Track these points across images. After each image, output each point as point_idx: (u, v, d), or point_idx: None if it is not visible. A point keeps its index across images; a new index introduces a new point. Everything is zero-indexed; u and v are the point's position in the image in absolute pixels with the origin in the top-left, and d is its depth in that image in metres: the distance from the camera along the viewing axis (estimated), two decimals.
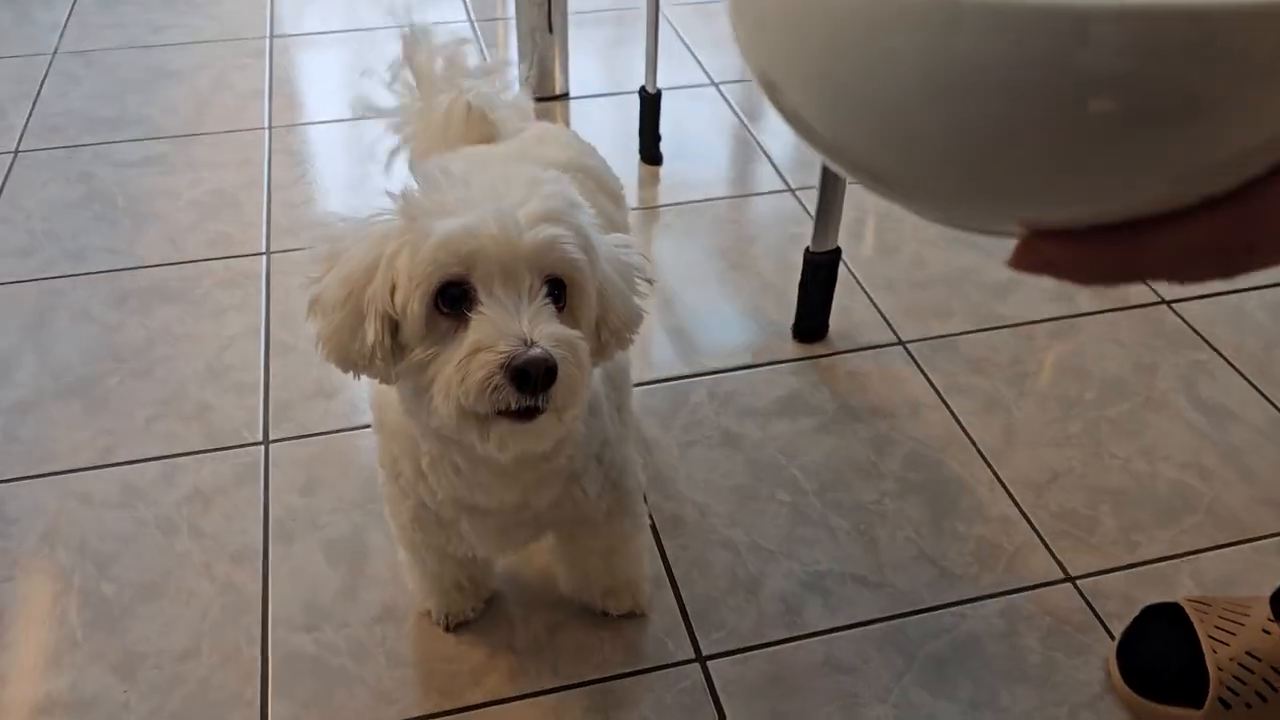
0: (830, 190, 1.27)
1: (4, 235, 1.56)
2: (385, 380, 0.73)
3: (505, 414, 0.67)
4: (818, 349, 1.38)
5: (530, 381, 0.65)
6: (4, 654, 1.01)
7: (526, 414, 0.67)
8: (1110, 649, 1.02)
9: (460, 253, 0.66)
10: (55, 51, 2.06)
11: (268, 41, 2.12)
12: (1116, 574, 1.11)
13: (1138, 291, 1.49)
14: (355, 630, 1.04)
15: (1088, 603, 1.08)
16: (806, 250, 1.33)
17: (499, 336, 0.66)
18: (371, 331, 0.69)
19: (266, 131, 1.82)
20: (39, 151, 1.76)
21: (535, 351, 0.65)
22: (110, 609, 1.06)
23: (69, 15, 2.20)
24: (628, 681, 1.00)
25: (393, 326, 0.70)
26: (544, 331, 0.67)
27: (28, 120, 1.84)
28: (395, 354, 0.71)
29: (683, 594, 1.08)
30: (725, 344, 1.39)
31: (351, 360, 0.71)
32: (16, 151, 1.75)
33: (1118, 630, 1.04)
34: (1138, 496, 1.19)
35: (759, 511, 1.17)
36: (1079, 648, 1.04)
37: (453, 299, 0.68)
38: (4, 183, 1.68)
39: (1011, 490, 1.20)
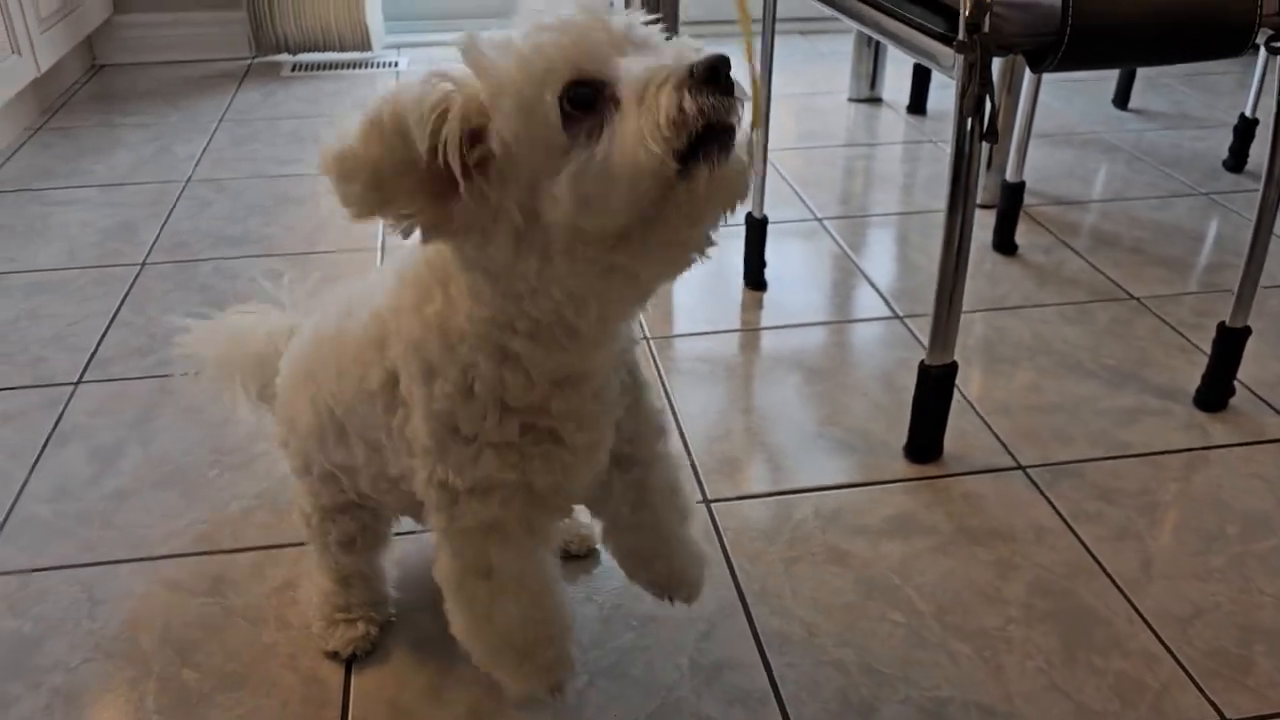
0: (946, 302, 1.23)
1: (124, 337, 1.61)
2: (467, 230, 0.65)
3: (704, 144, 0.60)
4: (931, 470, 1.32)
5: (724, 78, 0.60)
6: None
7: (727, 136, 0.61)
8: None
9: (578, 44, 0.61)
10: (189, 179, 2.18)
11: None
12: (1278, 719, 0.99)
13: (1275, 424, 1.40)
14: None
15: None
16: (921, 363, 1.28)
17: (662, 68, 0.60)
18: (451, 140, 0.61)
19: (378, 252, 1.88)
20: (164, 264, 1.83)
21: (709, 54, 0.60)
22: (189, 696, 1.01)
23: (204, 149, 2.34)
24: None
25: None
26: (698, 53, 0.62)
27: (157, 237, 1.93)
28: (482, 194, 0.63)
29: (791, 716, 0.99)
30: (831, 463, 1.34)
31: (408, 188, 0.63)
32: (144, 264, 1.83)
33: None
34: None
35: (871, 632, 1.08)
36: None
37: (583, 100, 0.61)
38: (128, 291, 1.74)
39: (1153, 624, 1.09)
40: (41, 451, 1.35)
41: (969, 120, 1.12)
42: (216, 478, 1.31)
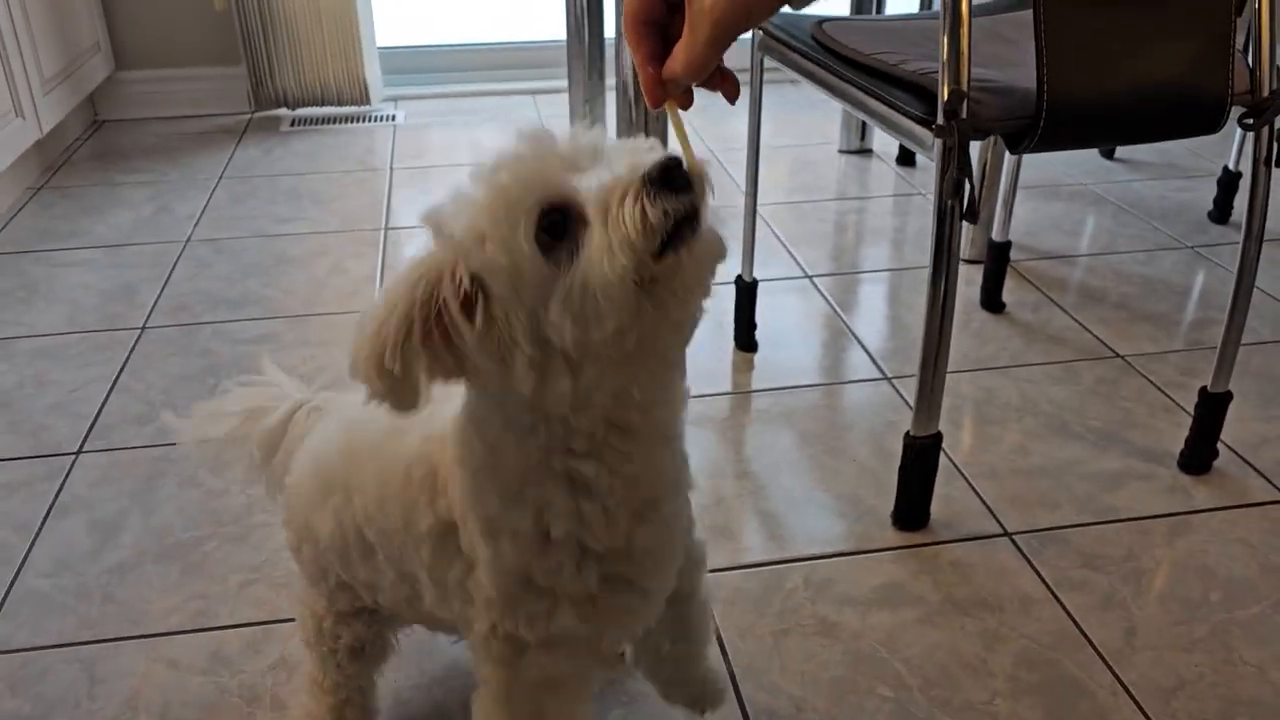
0: (930, 373, 1.25)
1: (124, 404, 1.63)
2: (480, 371, 0.66)
3: (675, 236, 0.62)
4: (919, 537, 1.33)
5: (678, 177, 0.62)
6: None
7: (693, 220, 0.63)
8: None
9: (535, 177, 0.64)
10: (188, 239, 2.21)
11: (382, 233, 2.24)
12: None
13: (1258, 487, 1.42)
14: None
15: None
16: (907, 434, 1.30)
17: (617, 176, 0.63)
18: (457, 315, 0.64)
19: None
20: (165, 328, 1.85)
21: (655, 157, 0.62)
22: None
23: (204, 208, 2.37)
24: None
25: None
26: (649, 153, 0.64)
27: (157, 299, 1.95)
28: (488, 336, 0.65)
29: None
30: (821, 530, 1.35)
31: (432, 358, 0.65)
32: (144, 328, 1.86)
33: None
34: (1278, 708, 1.09)
35: (859, 707, 1.10)
36: None
37: (555, 226, 0.63)
38: (129, 356, 1.77)
39: (1136, 696, 1.11)
40: (43, 524, 1.37)
41: (949, 203, 1.15)
42: (215, 550, 1.33)
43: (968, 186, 1.16)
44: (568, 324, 0.63)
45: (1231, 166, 2.20)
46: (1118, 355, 1.74)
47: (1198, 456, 1.44)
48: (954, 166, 1.14)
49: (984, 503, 1.39)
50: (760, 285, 1.75)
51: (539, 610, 0.76)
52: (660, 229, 0.62)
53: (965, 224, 1.18)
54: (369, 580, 0.91)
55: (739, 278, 1.73)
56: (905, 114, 1.21)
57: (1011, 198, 1.86)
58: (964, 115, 1.12)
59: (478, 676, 0.83)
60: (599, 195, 0.63)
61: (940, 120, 1.13)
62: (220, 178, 2.55)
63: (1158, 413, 1.59)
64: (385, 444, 0.84)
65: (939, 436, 1.30)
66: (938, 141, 1.15)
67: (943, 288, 1.20)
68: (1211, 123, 1.23)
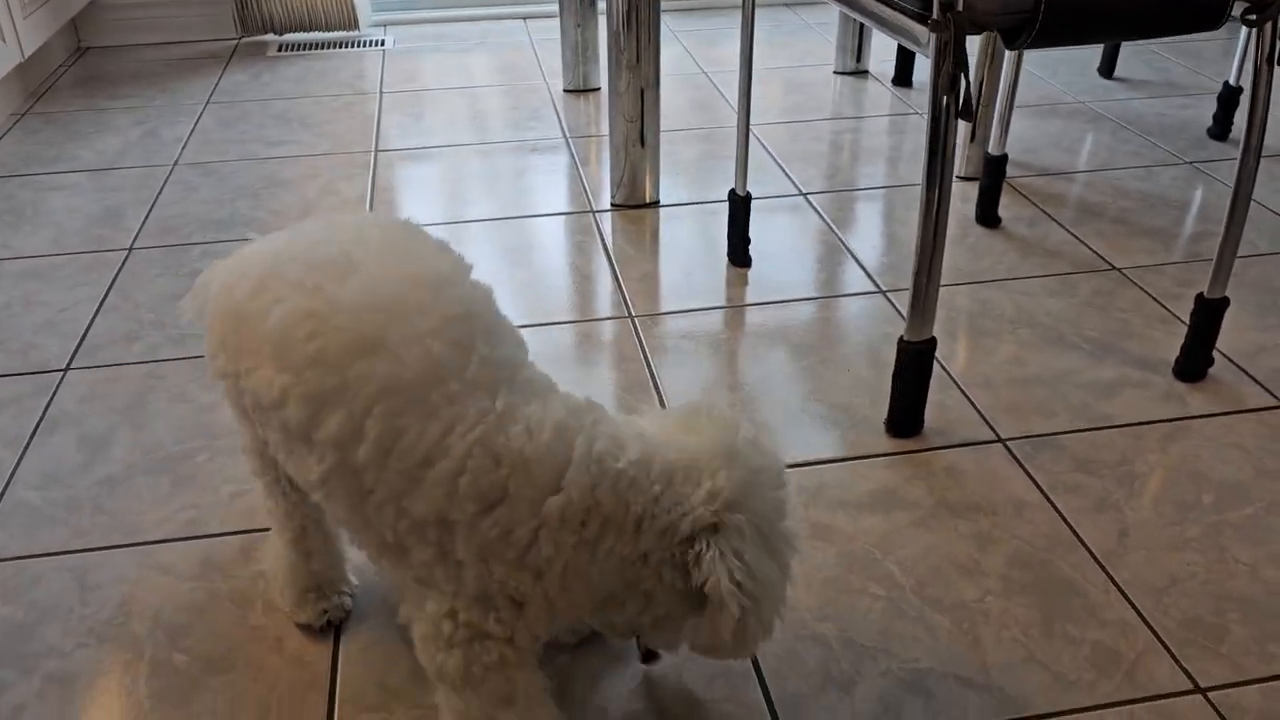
0: (925, 278, 1.24)
1: (112, 323, 1.62)
2: None
3: None
4: (912, 444, 1.33)
5: None
6: None
7: None
8: None
9: None
10: (176, 163, 2.18)
11: (373, 155, 2.21)
12: (1252, 686, 1.01)
13: (1253, 394, 1.41)
14: (426, 713, 0.99)
15: (1222, 716, 0.97)
16: (901, 339, 1.29)
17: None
18: None
19: None
20: (152, 249, 1.83)
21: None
22: (180, 680, 1.03)
23: (191, 132, 2.34)
24: None
25: None
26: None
27: (144, 222, 1.93)
28: None
29: (771, 690, 1.01)
30: (815, 438, 1.35)
31: None
32: (131, 249, 1.83)
33: None
34: (1269, 606, 1.09)
35: (851, 606, 1.10)
36: None
37: None
38: (116, 276, 1.75)
39: (1129, 594, 1.11)
40: (31, 438, 1.37)
41: (944, 98, 1.13)
42: (206, 462, 1.32)
43: (963, 83, 1.13)
44: None
45: (1232, 81, 2.17)
46: (1114, 268, 1.73)
47: (1193, 364, 1.43)
48: (949, 61, 1.12)
49: (978, 411, 1.39)
50: (754, 203, 1.73)
51: (508, 615, 0.80)
52: None
53: (962, 141, 1.16)
54: (297, 470, 0.86)
55: (732, 192, 1.70)
56: (900, 9, 1.18)
57: (1009, 112, 1.83)
58: (960, 8, 1.09)
59: (421, 659, 0.84)
60: None
61: (936, 14, 1.11)
62: (207, 103, 2.51)
63: (1154, 323, 1.58)
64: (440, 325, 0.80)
65: (933, 341, 1.28)
66: (933, 36, 1.12)
67: (938, 185, 1.18)
68: (1214, 18, 1.20)
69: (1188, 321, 1.44)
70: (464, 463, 0.76)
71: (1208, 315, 1.40)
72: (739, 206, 1.70)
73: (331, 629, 1.08)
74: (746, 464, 0.80)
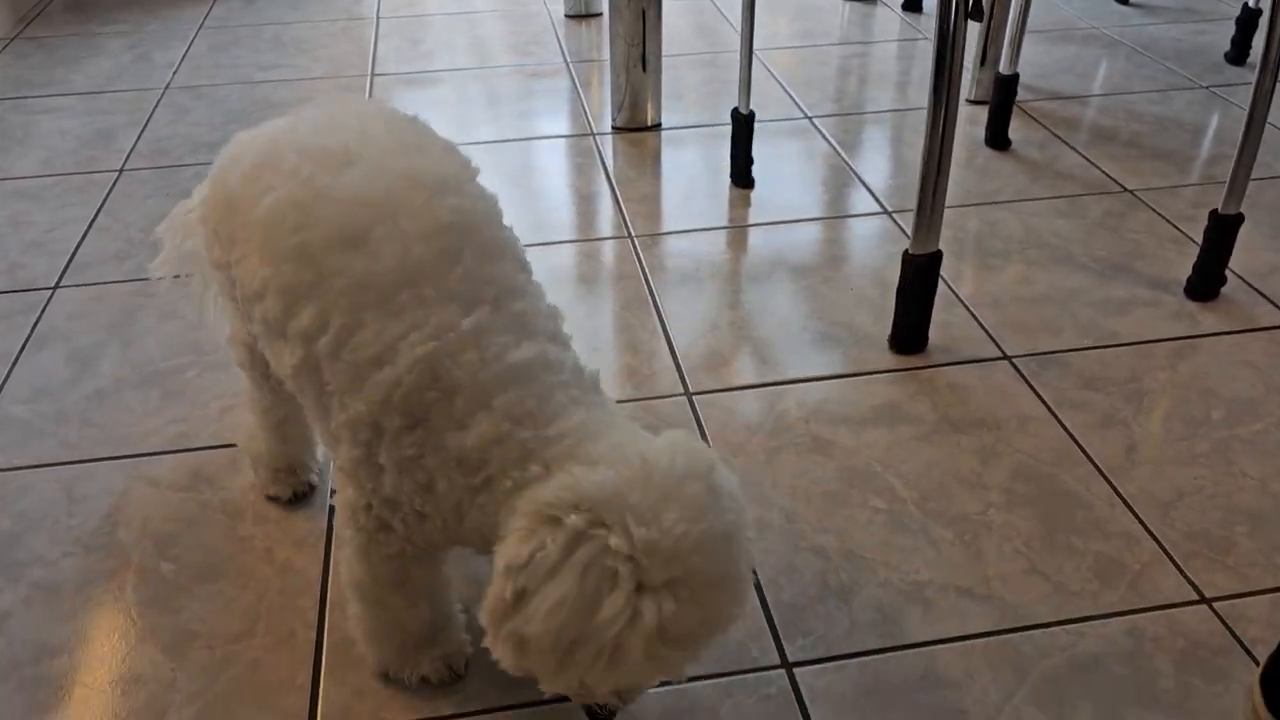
0: (930, 190, 1.20)
1: (102, 243, 1.59)
2: None
3: None
4: (916, 361, 1.30)
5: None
6: (58, 627, 0.97)
7: None
8: (1254, 676, 0.89)
9: None
10: (168, 86, 2.14)
11: (368, 79, 2.16)
12: (1258, 597, 0.98)
13: (1266, 312, 1.38)
14: None
15: (1227, 626, 0.95)
16: (905, 252, 1.26)
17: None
18: None
19: None
20: (143, 170, 1.80)
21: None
22: (167, 588, 1.01)
23: (184, 56, 2.29)
24: (704, 685, 0.91)
25: None
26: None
27: (135, 144, 1.89)
28: None
29: (768, 599, 0.99)
30: (817, 355, 1.32)
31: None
32: (121, 170, 1.80)
33: (1262, 655, 0.92)
34: (1278, 519, 1.07)
35: (851, 518, 1.08)
36: (1217, 673, 0.91)
37: None
38: (107, 197, 1.71)
39: (1135, 507, 1.08)
40: (19, 354, 1.34)
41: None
42: (195, 378, 1.30)
43: None
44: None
45: (1251, 3, 2.10)
46: (1126, 190, 1.68)
47: (1206, 282, 1.39)
48: None
49: (984, 328, 1.36)
50: (759, 127, 1.68)
51: (414, 523, 0.78)
52: None
53: (971, 64, 1.12)
54: (275, 362, 0.86)
55: (735, 111, 1.66)
56: None
57: (1020, 33, 1.77)
58: None
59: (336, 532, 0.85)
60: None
61: None
62: (200, 27, 2.46)
63: (1166, 244, 1.54)
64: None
65: (938, 255, 1.25)
66: None
67: (945, 90, 1.14)
68: None
69: (1200, 242, 1.40)
70: (404, 374, 0.73)
71: (1221, 231, 1.36)
72: (741, 125, 1.66)
73: (298, 500, 1.10)
74: (658, 491, 0.66)
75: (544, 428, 0.72)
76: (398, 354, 0.73)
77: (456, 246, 0.76)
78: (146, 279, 1.49)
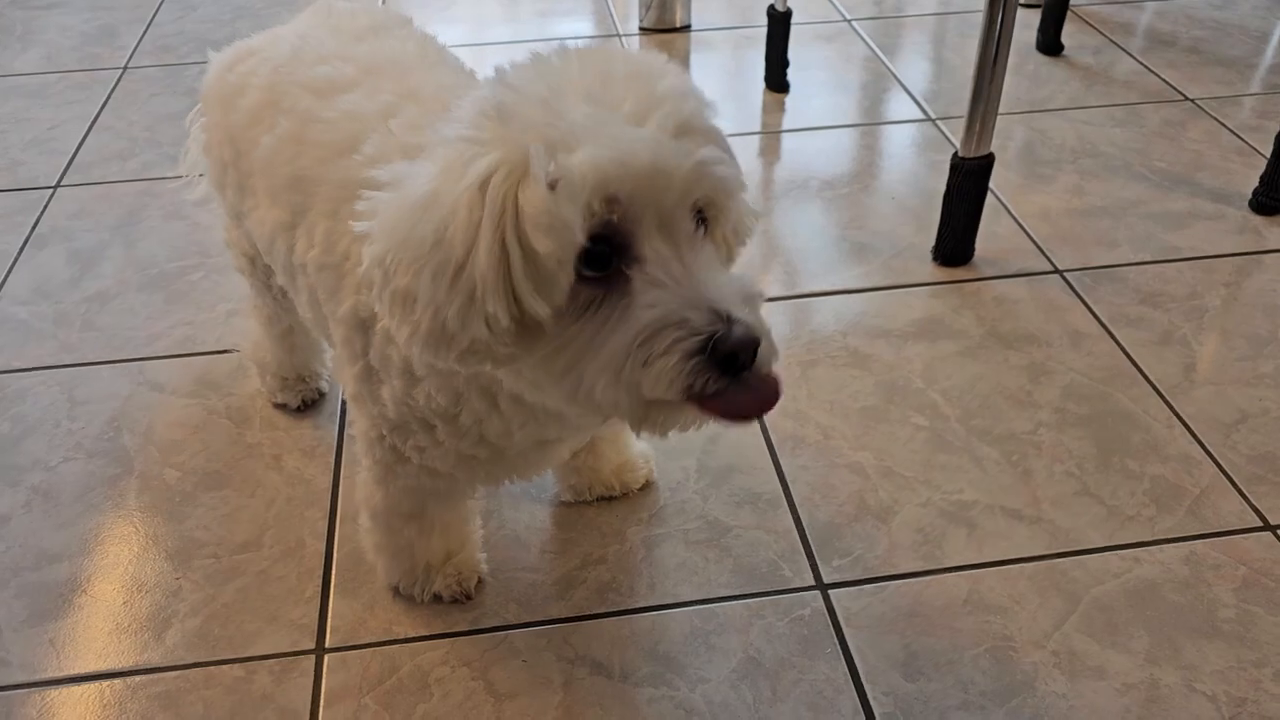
0: (984, 91, 1.11)
1: (105, 141, 1.52)
2: (497, 366, 0.57)
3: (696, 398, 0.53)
4: (961, 273, 1.23)
5: (738, 364, 0.51)
6: (59, 533, 0.93)
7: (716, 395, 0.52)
8: None
9: (614, 196, 0.50)
10: None
11: None
12: None
13: None
14: None
15: None
16: (954, 155, 1.17)
17: (686, 308, 0.51)
18: (499, 313, 0.52)
19: None
20: (148, 68, 1.72)
21: (740, 331, 0.51)
22: (171, 495, 0.97)
23: None
24: (735, 605, 0.86)
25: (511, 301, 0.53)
26: (734, 295, 0.52)
27: (140, 41, 1.81)
28: (520, 337, 0.54)
29: (802, 518, 0.93)
30: (854, 266, 1.25)
31: (455, 352, 0.54)
32: (125, 68, 1.72)
33: None
34: None
35: (891, 435, 1.02)
36: None
37: (598, 258, 0.52)
38: (110, 95, 1.64)
39: (1194, 429, 1.02)
40: (19, 254, 1.29)
41: None
42: (201, 280, 1.24)
43: None
44: (530, 383, 0.59)
45: None
46: (1187, 98, 1.58)
47: (1273, 193, 1.30)
48: None
49: (1034, 241, 1.28)
50: (796, 30, 1.58)
51: (425, 443, 0.71)
52: (682, 395, 0.52)
53: None
54: (297, 301, 0.82)
55: (771, 8, 1.55)
56: None
57: None
58: None
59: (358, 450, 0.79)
60: (656, 314, 0.51)
61: None
62: None
63: (1229, 155, 1.44)
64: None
65: (990, 158, 1.17)
66: None
67: None
68: None
69: (1266, 154, 1.31)
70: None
71: None
72: (778, 24, 1.56)
73: (307, 407, 1.05)
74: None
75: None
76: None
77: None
78: (151, 178, 1.43)
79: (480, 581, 0.88)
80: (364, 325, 0.69)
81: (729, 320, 0.51)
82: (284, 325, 0.99)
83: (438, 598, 0.86)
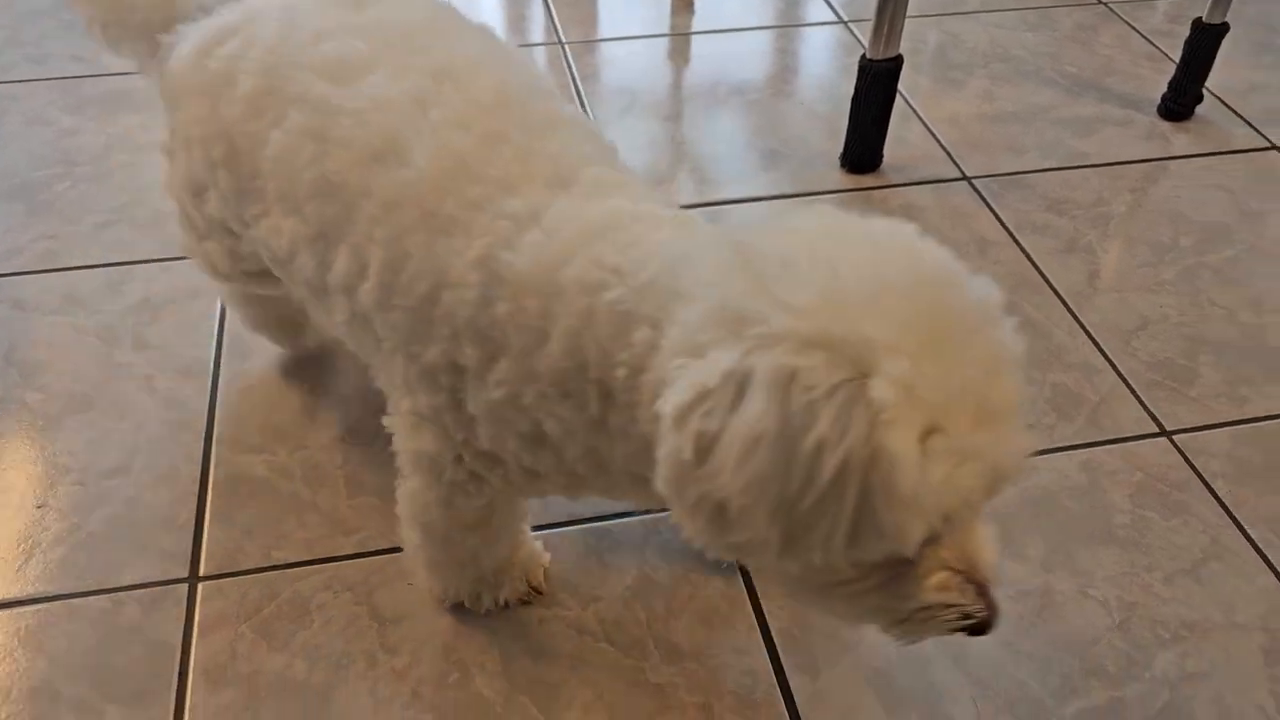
0: None
1: None
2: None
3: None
4: (869, 180, 1.20)
5: (982, 628, 0.53)
6: None
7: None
8: None
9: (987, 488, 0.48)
10: None
11: None
12: (1220, 430, 0.93)
13: (1243, 134, 1.29)
14: (312, 453, 0.88)
15: (1187, 460, 0.90)
16: (862, 57, 1.13)
17: (968, 596, 0.51)
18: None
19: None
20: None
21: (997, 619, 0.52)
22: (34, 419, 0.90)
23: None
24: (630, 521, 0.84)
25: None
26: (995, 571, 0.52)
27: None
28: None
29: None
30: (762, 173, 1.21)
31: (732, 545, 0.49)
32: None
33: (1222, 490, 0.87)
34: (1244, 349, 1.01)
35: None
36: (1176, 507, 0.86)
37: None
38: None
39: (1095, 336, 1.01)
40: None
41: None
42: (67, 190, 1.15)
43: None
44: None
45: None
46: (1100, 1, 1.56)
47: (1181, 100, 1.29)
48: None
49: (942, 146, 1.25)
50: None
51: (517, 479, 0.64)
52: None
53: None
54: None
55: None
56: None
57: None
58: None
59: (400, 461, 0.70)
60: (948, 585, 0.51)
61: None
62: None
63: (1140, 60, 1.43)
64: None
65: (899, 60, 1.13)
66: None
67: None
68: None
69: (1177, 60, 1.29)
70: (462, 290, 0.58)
71: (1203, 42, 1.25)
72: None
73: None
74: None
75: (633, 278, 0.54)
76: (451, 271, 0.58)
77: (503, 128, 0.61)
78: (12, 81, 1.32)
79: (546, 573, 0.80)
80: (458, 368, 0.61)
81: (993, 608, 0.51)
82: (256, 313, 0.92)
83: (505, 605, 0.78)
